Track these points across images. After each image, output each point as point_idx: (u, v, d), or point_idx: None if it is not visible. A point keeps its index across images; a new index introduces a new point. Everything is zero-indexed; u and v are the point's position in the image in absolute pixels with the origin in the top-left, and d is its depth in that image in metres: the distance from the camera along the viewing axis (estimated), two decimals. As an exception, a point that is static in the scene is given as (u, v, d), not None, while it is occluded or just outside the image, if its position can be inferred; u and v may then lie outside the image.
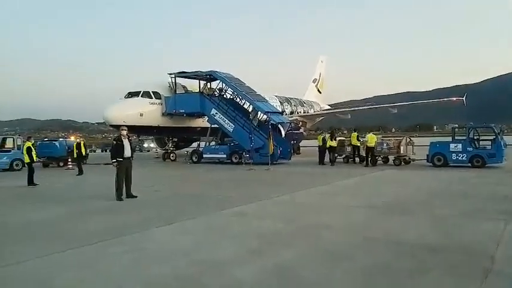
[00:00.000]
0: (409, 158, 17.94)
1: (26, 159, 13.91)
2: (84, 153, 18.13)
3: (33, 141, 15.57)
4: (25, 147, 14.15)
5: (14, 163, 19.94)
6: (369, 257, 4.82)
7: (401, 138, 18.50)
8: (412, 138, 19.04)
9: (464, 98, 29.68)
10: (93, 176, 17.21)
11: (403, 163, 17.54)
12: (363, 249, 5.18)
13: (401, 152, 17.58)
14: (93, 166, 22.07)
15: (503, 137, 16.69)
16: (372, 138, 17.86)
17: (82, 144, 18.01)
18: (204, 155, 22.11)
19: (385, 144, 18.03)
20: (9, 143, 20.86)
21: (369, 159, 17.70)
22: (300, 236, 5.91)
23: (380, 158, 18.32)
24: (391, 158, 18.07)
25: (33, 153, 14.09)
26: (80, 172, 16.93)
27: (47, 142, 24.26)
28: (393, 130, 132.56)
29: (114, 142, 10.24)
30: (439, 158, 16.51)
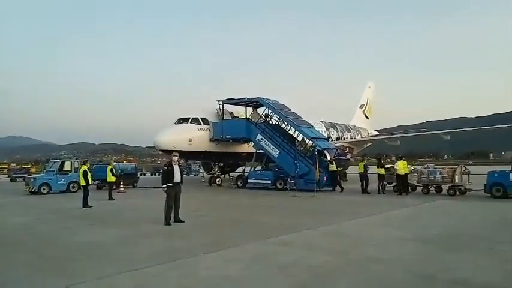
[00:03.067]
0: (465, 188, 16.92)
1: (82, 182, 14.61)
2: (108, 179, 17.38)
3: (88, 164, 16.30)
4: (81, 171, 14.83)
5: (71, 185, 21.01)
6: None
7: (456, 166, 17.55)
8: (467, 167, 18.01)
9: None
10: (142, 199, 17.79)
11: (458, 193, 16.58)
12: None
13: (456, 181, 16.63)
14: (143, 189, 22.88)
15: None
16: (402, 165, 17.63)
17: (108, 169, 17.65)
18: (249, 180, 22.20)
19: (438, 173, 17.17)
20: (67, 166, 21.65)
21: (401, 188, 17.57)
22: (352, 270, 5.69)
23: (433, 188, 17.48)
24: (444, 187, 17.16)
25: (89, 176, 14.83)
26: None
27: (101, 165, 25.32)
28: (445, 157, 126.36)
29: (165, 168, 10.33)
30: (498, 189, 15.40)
